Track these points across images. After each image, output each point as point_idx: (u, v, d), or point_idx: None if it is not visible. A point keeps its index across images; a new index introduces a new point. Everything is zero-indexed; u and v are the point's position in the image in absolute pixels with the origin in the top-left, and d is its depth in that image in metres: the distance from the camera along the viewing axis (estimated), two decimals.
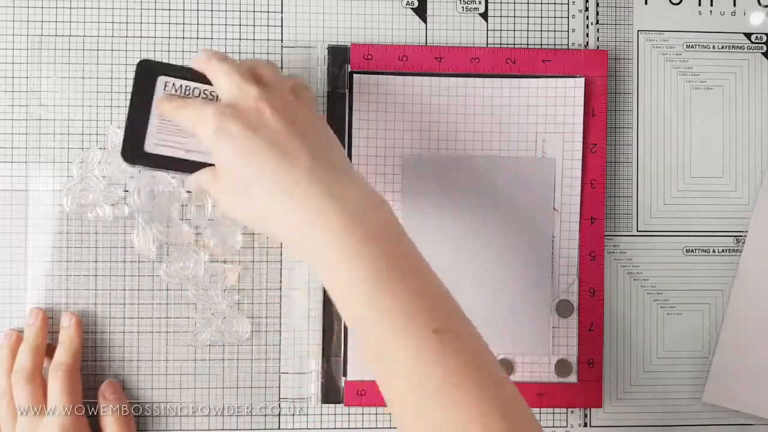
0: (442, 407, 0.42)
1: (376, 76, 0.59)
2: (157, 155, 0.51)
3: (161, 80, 0.51)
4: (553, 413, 0.60)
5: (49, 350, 0.57)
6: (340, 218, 0.45)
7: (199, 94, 0.52)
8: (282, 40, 0.59)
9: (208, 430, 0.58)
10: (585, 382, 0.60)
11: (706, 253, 0.61)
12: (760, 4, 0.62)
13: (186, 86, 0.51)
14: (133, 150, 0.51)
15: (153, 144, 0.51)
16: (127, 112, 0.51)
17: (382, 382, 0.45)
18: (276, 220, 0.47)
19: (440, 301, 0.45)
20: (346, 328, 0.58)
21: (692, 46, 0.61)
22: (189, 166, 0.51)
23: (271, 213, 0.47)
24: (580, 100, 0.59)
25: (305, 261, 0.46)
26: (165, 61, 0.56)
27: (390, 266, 0.44)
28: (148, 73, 0.51)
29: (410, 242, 0.47)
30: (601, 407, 0.60)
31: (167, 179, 0.58)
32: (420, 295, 0.44)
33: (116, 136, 0.58)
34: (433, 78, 0.59)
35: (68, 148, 0.58)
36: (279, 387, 0.59)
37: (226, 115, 0.47)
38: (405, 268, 0.45)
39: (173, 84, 0.51)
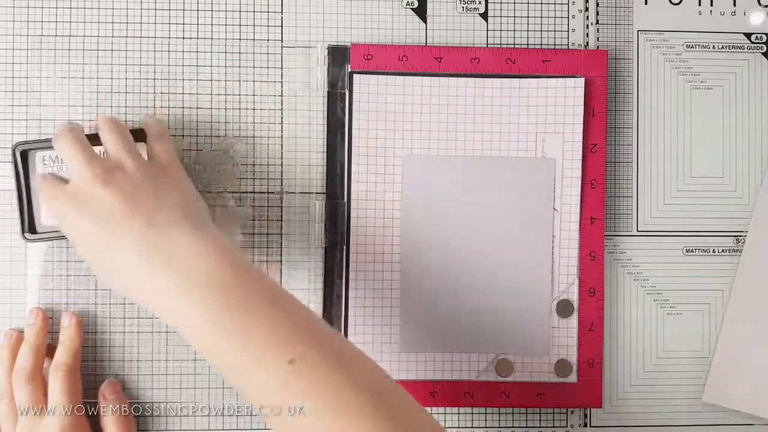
0: None
1: (376, 76, 0.59)
2: (52, 227, 0.54)
3: (39, 156, 0.55)
4: (553, 413, 0.60)
5: (50, 350, 0.57)
6: (171, 279, 0.46)
7: None
8: (282, 40, 0.59)
9: (208, 430, 0.58)
10: (585, 382, 0.60)
11: (706, 253, 0.61)
12: (760, 4, 0.62)
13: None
14: (30, 226, 0.55)
15: (46, 216, 0.55)
16: (16, 193, 0.55)
17: (256, 410, 0.46)
18: (128, 289, 0.49)
19: (292, 330, 0.45)
20: (346, 329, 0.58)
21: (692, 46, 0.61)
22: None
23: (122, 284, 0.49)
24: (580, 100, 0.59)
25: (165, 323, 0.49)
26: (42, 135, 0.58)
27: (230, 309, 0.45)
28: (24, 154, 0.55)
29: (255, 273, 0.48)
30: (601, 407, 0.60)
31: None
32: (266, 332, 0.45)
33: None
34: (433, 78, 0.59)
35: None
36: None
37: (61, 199, 0.50)
38: (248, 305, 0.46)
39: (50, 156, 0.54)
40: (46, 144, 0.54)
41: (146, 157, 0.53)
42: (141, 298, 0.48)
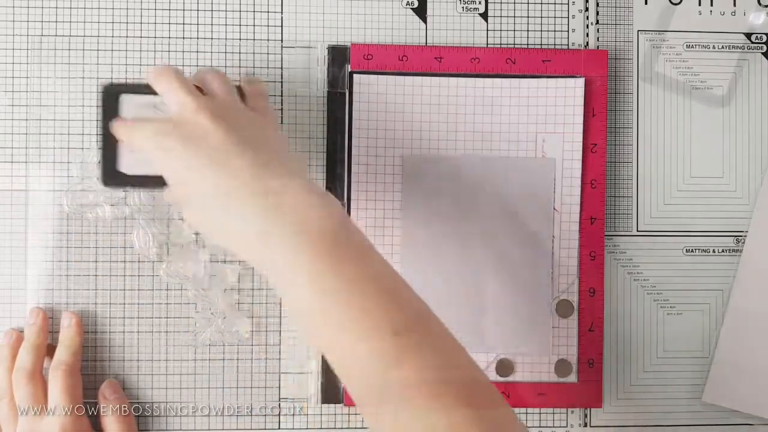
0: (408, 413, 0.42)
1: (376, 76, 0.59)
2: (133, 175, 0.51)
3: (125, 99, 0.51)
4: (553, 413, 0.60)
5: (50, 350, 0.57)
6: (279, 229, 0.44)
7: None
8: (282, 40, 0.59)
9: (208, 430, 0.58)
10: (585, 382, 0.60)
11: (706, 253, 0.61)
12: (760, 4, 0.62)
13: (149, 101, 0.51)
14: (110, 173, 0.51)
15: (126, 164, 0.51)
16: (99, 137, 0.52)
17: (348, 385, 0.44)
18: (225, 234, 0.46)
19: (398, 302, 0.44)
20: None
21: (692, 46, 0.61)
22: (163, 182, 0.49)
23: (221, 227, 0.46)
24: (580, 100, 0.59)
25: (262, 274, 0.46)
26: (130, 78, 0.56)
27: (337, 273, 0.43)
28: (110, 96, 0.52)
29: (360, 240, 0.46)
30: (601, 407, 0.60)
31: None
32: (375, 297, 0.43)
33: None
34: (433, 78, 0.59)
35: (68, 148, 0.58)
36: (279, 387, 0.59)
37: (164, 132, 0.47)
38: (355, 272, 0.44)
39: (137, 101, 0.51)
40: (134, 87, 0.52)
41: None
42: (241, 246, 0.46)
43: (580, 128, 0.59)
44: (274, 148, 0.48)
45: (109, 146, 0.51)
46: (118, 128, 0.50)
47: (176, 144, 0.46)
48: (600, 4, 0.61)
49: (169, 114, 0.48)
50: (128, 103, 0.51)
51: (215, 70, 0.52)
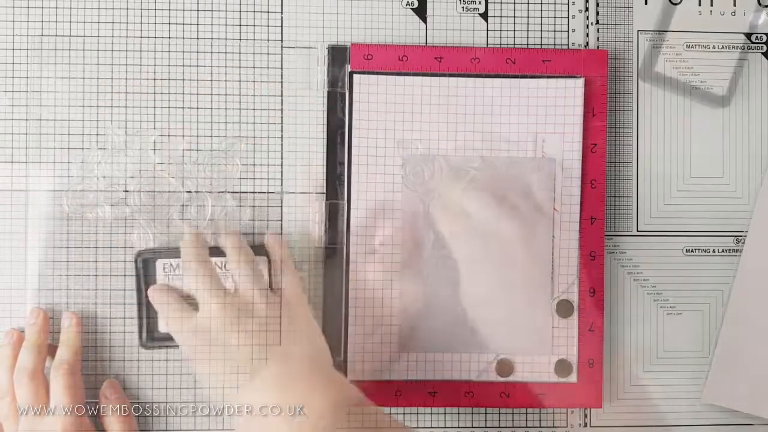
0: None
1: (376, 76, 0.59)
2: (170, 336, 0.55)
3: (160, 264, 0.56)
4: (553, 413, 0.60)
5: (51, 350, 0.57)
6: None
7: None
8: (282, 40, 0.59)
9: (208, 430, 0.58)
10: (585, 382, 0.60)
11: (706, 253, 0.61)
12: (760, 4, 0.62)
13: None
14: (149, 334, 0.57)
15: (164, 325, 0.56)
16: (136, 300, 0.56)
17: None
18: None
19: None
20: (346, 329, 0.58)
21: (692, 46, 0.61)
22: None
23: (243, 424, 0.52)
24: (580, 100, 0.59)
25: None
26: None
27: None
28: (146, 261, 0.56)
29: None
30: (601, 407, 0.60)
31: (168, 180, 0.58)
32: None
33: (117, 136, 0.58)
34: (433, 78, 0.59)
35: (68, 148, 0.58)
36: None
37: (185, 329, 0.53)
38: None
39: (171, 264, 0.56)
40: (167, 252, 0.56)
41: (266, 275, 0.55)
42: None
43: (579, 128, 0.59)
44: (297, 350, 0.53)
45: (148, 308, 0.56)
46: (152, 298, 0.55)
47: (202, 350, 0.52)
48: (600, 4, 0.61)
49: (198, 304, 0.54)
50: (161, 266, 0.56)
51: (239, 246, 0.55)
